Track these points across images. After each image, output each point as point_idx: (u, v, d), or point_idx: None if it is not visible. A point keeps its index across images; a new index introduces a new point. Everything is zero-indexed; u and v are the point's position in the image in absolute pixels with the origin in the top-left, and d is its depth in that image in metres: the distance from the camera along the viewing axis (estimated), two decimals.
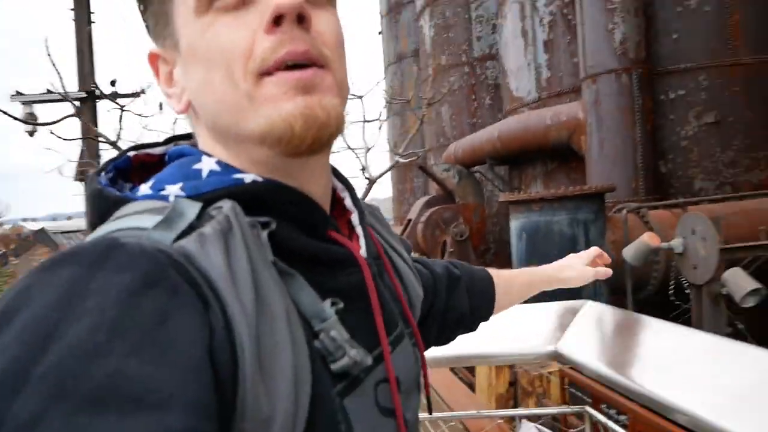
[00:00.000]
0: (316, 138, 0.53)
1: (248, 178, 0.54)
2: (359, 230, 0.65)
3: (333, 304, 0.53)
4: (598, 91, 5.73)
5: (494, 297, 1.03)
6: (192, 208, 0.50)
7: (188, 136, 0.65)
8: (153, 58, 0.62)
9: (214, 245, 0.46)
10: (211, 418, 0.39)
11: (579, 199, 4.79)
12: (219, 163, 0.57)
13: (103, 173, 0.58)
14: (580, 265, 1.15)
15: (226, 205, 0.50)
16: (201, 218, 0.49)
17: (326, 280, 0.56)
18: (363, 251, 0.63)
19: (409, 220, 7.74)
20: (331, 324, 0.52)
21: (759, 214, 4.45)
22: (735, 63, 5.31)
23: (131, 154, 0.62)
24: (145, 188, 0.56)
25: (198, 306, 0.43)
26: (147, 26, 0.62)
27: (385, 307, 0.62)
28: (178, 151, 0.61)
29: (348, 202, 0.67)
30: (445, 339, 0.99)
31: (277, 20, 0.52)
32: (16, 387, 0.35)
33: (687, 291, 3.89)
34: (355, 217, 0.66)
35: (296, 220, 0.56)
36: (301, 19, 0.53)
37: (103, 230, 0.49)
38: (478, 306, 1.01)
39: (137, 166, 0.62)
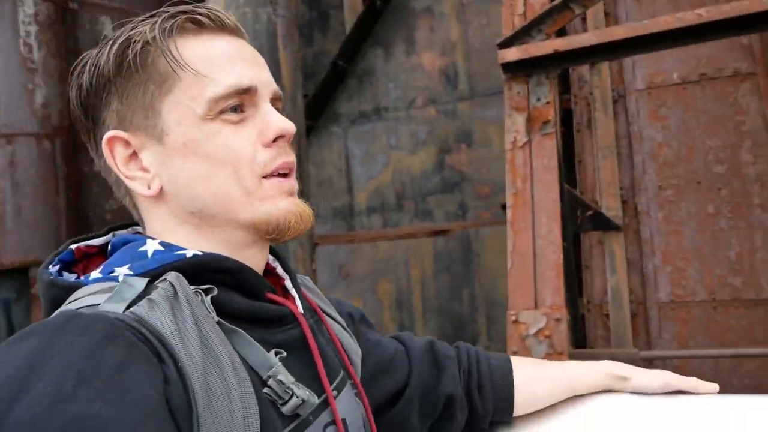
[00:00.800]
0: (302, 231, 0.66)
1: (189, 253, 0.61)
2: (293, 292, 0.73)
3: (277, 353, 0.60)
4: (14, 153, 5.20)
5: (512, 388, 0.88)
6: (139, 283, 0.56)
7: (126, 226, 0.72)
8: (112, 141, 0.66)
9: (162, 308, 0.52)
10: None
11: None
12: (162, 243, 0.63)
13: (49, 266, 0.63)
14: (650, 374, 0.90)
15: (170, 276, 0.56)
16: (148, 290, 0.55)
17: (269, 336, 0.63)
18: (299, 308, 0.70)
19: None
20: (277, 370, 0.58)
21: None
22: None
23: (73, 246, 0.66)
24: (95, 273, 0.61)
25: (152, 359, 0.48)
26: (103, 108, 0.67)
27: (325, 356, 0.69)
28: (121, 239, 0.66)
29: (280, 270, 0.75)
30: (438, 428, 0.89)
31: (276, 138, 0.66)
32: None
33: None
34: (288, 282, 0.74)
35: (236, 286, 0.63)
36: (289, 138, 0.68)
37: (59, 311, 0.54)
38: (485, 395, 0.88)
39: (79, 258, 0.67)
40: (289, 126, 0.66)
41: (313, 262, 3.83)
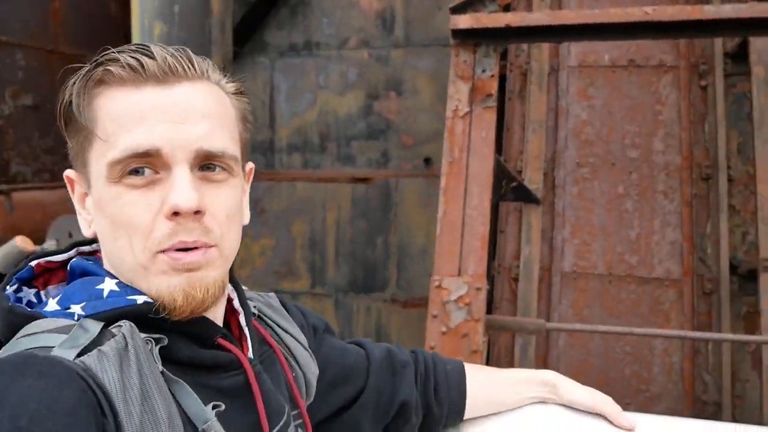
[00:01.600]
0: (194, 310, 0.63)
1: (140, 299, 0.62)
2: (246, 330, 0.74)
3: (214, 407, 0.61)
4: None
5: (464, 391, 0.93)
6: (94, 328, 0.57)
7: (90, 242, 0.71)
8: (69, 178, 0.69)
9: (111, 362, 0.54)
10: None
11: None
12: (119, 284, 0.64)
13: (8, 287, 0.65)
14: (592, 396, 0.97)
15: (125, 326, 0.58)
16: (102, 335, 0.56)
17: (214, 381, 0.65)
18: (250, 353, 0.72)
19: None
20: (211, 425, 0.60)
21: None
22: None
23: (33, 263, 0.68)
24: (53, 304, 0.62)
25: (97, 409, 0.50)
26: (70, 146, 0.67)
27: (270, 400, 0.70)
28: (81, 267, 0.67)
29: (236, 303, 0.75)
30: (394, 430, 0.92)
31: (175, 213, 0.61)
32: None
33: None
34: (242, 318, 0.75)
35: (185, 333, 0.64)
36: (196, 212, 0.62)
37: (19, 345, 0.56)
38: (440, 400, 0.91)
39: (39, 272, 0.68)
40: (183, 203, 0.60)
41: None
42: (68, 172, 0.69)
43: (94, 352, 0.54)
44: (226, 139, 0.66)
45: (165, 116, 0.61)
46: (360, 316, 4.39)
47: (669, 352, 2.77)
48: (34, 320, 0.60)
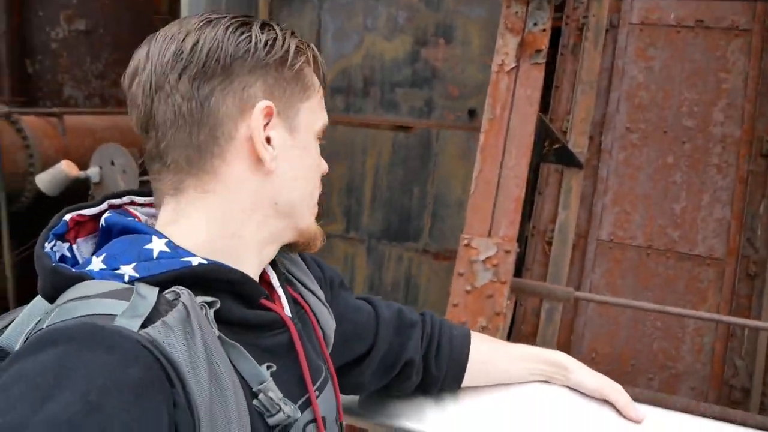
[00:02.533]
0: (317, 250, 0.77)
1: (195, 261, 0.62)
2: (280, 291, 0.77)
3: (268, 367, 0.63)
4: None
5: (467, 357, 0.93)
6: (151, 294, 0.56)
7: (120, 195, 0.72)
8: (269, 109, 0.69)
9: (176, 333, 0.53)
10: None
11: None
12: (168, 243, 0.63)
13: (46, 243, 0.63)
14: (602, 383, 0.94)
15: (184, 294, 0.57)
16: (159, 302, 0.56)
17: (259, 340, 0.67)
18: (287, 310, 0.75)
19: None
20: (268, 386, 0.62)
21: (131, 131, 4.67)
22: None
23: (67, 218, 0.67)
24: (97, 263, 0.61)
25: (165, 383, 0.50)
26: (248, 76, 0.67)
27: (310, 359, 0.73)
28: (121, 224, 0.65)
29: (267, 264, 0.77)
30: (386, 386, 0.94)
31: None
32: None
33: None
34: (274, 279, 0.78)
35: (234, 293, 0.65)
36: None
37: (74, 310, 0.54)
38: (440, 362, 0.92)
39: (71, 226, 0.67)
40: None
41: None
42: (270, 103, 0.69)
43: (159, 323, 0.53)
44: None
45: None
46: (391, 263, 4.38)
47: (701, 332, 2.66)
48: (80, 281, 0.58)
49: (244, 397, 0.59)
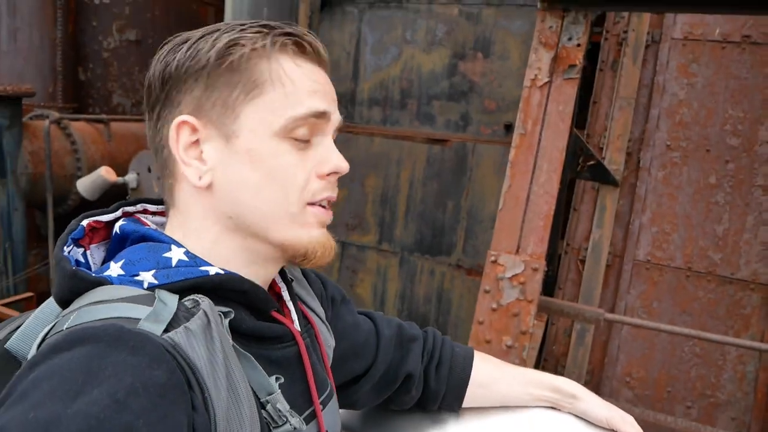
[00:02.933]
0: (324, 263, 0.68)
1: (212, 270, 0.63)
2: (290, 305, 0.76)
3: (276, 379, 0.64)
4: None
5: (468, 376, 0.92)
6: (172, 301, 0.58)
7: (134, 203, 0.73)
8: (182, 125, 0.66)
9: (198, 339, 0.55)
10: None
11: None
12: (187, 253, 0.64)
13: (65, 248, 0.64)
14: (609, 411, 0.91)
15: (204, 302, 0.59)
16: (179, 308, 0.57)
17: (268, 352, 0.67)
18: (296, 324, 0.74)
19: None
20: (276, 398, 0.63)
21: None
22: None
23: (85, 223, 0.68)
24: (116, 269, 0.62)
25: (185, 387, 0.51)
26: (183, 92, 0.66)
27: (317, 373, 0.72)
28: (139, 233, 0.66)
29: (278, 278, 0.77)
30: (385, 399, 0.94)
31: (331, 174, 0.68)
32: (48, 428, 0.43)
33: None
34: (285, 293, 0.77)
35: (246, 303, 0.66)
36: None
37: (96, 313, 0.55)
38: (440, 378, 0.91)
39: (87, 231, 0.69)
40: (344, 165, 0.69)
41: None
42: (186, 118, 0.66)
43: (181, 329, 0.54)
44: None
45: (330, 95, 0.70)
46: (423, 277, 4.36)
47: (743, 360, 2.54)
48: (99, 285, 0.59)
49: (255, 406, 0.60)
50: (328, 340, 0.83)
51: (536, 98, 2.12)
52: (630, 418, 0.90)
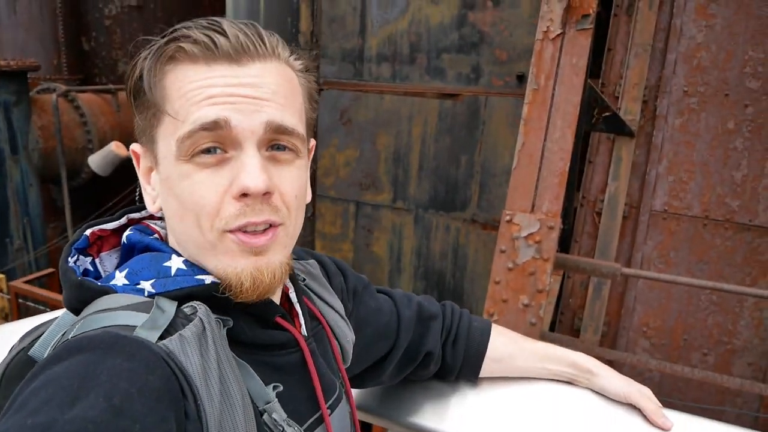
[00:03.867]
0: (261, 294, 0.63)
1: (208, 279, 0.63)
2: (298, 307, 0.74)
3: (274, 387, 0.64)
4: None
5: (484, 351, 0.93)
6: (169, 308, 0.58)
7: (140, 209, 0.72)
8: (135, 152, 0.68)
9: (192, 347, 0.55)
10: None
11: None
12: (185, 262, 0.64)
13: (69, 258, 0.65)
14: (627, 386, 0.91)
15: (201, 309, 0.59)
16: (176, 316, 0.58)
17: (271, 359, 0.67)
18: (303, 329, 0.72)
19: None
20: (273, 407, 0.63)
21: None
22: None
23: (88, 233, 0.68)
24: (120, 278, 0.63)
25: (179, 394, 0.52)
26: (137, 120, 0.65)
27: (324, 376, 0.72)
28: (143, 243, 0.66)
29: (286, 279, 0.72)
30: (405, 376, 0.94)
31: (244, 194, 0.60)
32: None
33: None
34: (293, 294, 0.75)
35: (248, 312, 0.65)
36: (265, 193, 0.61)
37: (98, 321, 0.56)
38: (457, 353, 0.93)
39: (93, 241, 0.68)
40: (253, 186, 0.59)
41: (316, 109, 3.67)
42: (134, 146, 0.68)
43: (176, 336, 0.55)
44: (295, 119, 0.64)
45: (237, 92, 0.60)
46: (438, 233, 4.38)
47: (760, 306, 2.55)
48: (104, 294, 0.61)
49: (252, 414, 0.60)
50: (347, 335, 0.83)
51: (549, 51, 2.07)
52: (647, 391, 0.91)
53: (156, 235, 0.70)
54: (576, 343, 2.45)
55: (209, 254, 0.62)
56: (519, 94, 3.78)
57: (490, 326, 0.97)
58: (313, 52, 3.50)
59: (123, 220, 0.71)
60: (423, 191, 4.38)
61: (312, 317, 0.77)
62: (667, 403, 0.97)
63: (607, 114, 2.47)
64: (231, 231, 0.61)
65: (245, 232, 0.61)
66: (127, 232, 0.68)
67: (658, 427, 0.87)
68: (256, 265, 0.62)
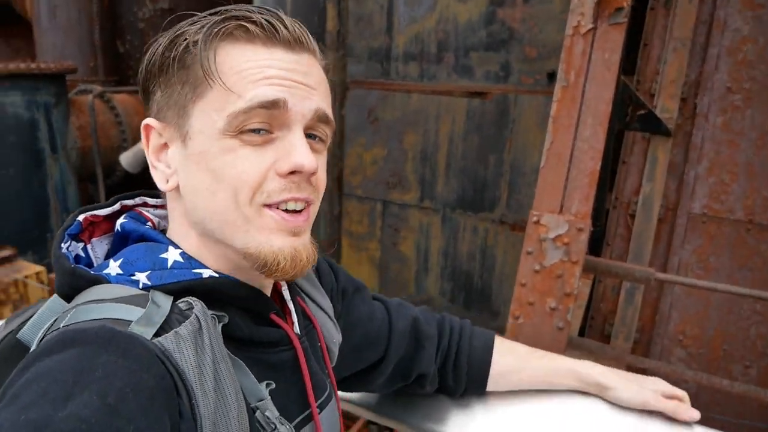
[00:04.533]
0: (297, 274, 0.63)
1: (206, 273, 0.62)
2: (290, 305, 0.73)
3: (267, 385, 0.63)
4: None
5: (487, 372, 0.90)
6: (165, 304, 0.57)
7: (132, 196, 0.71)
8: (148, 128, 0.65)
9: (188, 345, 0.53)
10: None
11: (37, 78, 4.00)
12: (183, 254, 0.63)
13: (62, 244, 0.63)
14: (643, 389, 0.88)
15: (197, 306, 0.57)
16: (172, 311, 0.57)
17: (264, 356, 0.65)
18: (296, 327, 0.72)
19: None
20: (266, 404, 0.62)
21: None
22: None
23: (81, 218, 0.66)
24: (114, 267, 0.61)
25: (173, 393, 0.50)
26: (151, 94, 0.64)
27: (315, 375, 0.71)
28: (139, 232, 0.65)
29: None
30: (398, 389, 0.92)
31: (293, 172, 0.62)
32: (39, 431, 0.42)
33: None
34: (286, 292, 0.74)
35: (244, 308, 0.64)
36: (312, 173, 0.63)
37: (91, 312, 0.54)
38: (459, 376, 0.89)
39: (85, 226, 0.67)
40: (307, 164, 0.61)
41: (343, 107, 3.58)
42: (149, 121, 0.65)
43: (171, 334, 0.53)
44: (330, 112, 0.67)
45: (292, 77, 0.62)
46: (466, 234, 4.24)
47: None
48: (97, 283, 0.59)
49: (245, 412, 0.58)
50: (333, 337, 0.81)
51: (579, 47, 1.93)
52: (661, 384, 0.86)
53: (150, 224, 0.68)
54: (606, 350, 2.30)
55: (240, 230, 0.61)
56: (549, 92, 3.61)
57: (492, 342, 0.93)
58: (340, 51, 3.41)
59: (116, 207, 0.69)
60: (450, 191, 4.25)
61: (304, 316, 0.76)
62: (704, 417, 0.91)
63: (642, 112, 2.31)
64: (271, 206, 0.61)
65: (286, 210, 0.62)
66: (120, 220, 0.66)
67: (685, 421, 0.83)
68: (294, 245, 0.62)
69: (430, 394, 0.96)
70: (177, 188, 0.64)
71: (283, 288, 0.74)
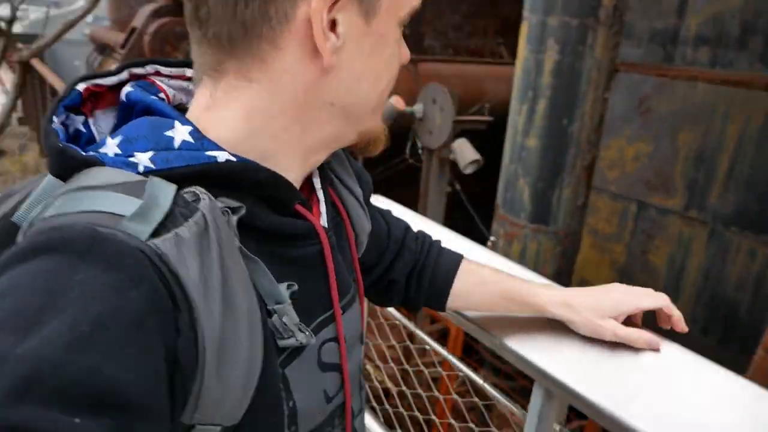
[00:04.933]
0: (375, 153, 0.65)
1: (222, 156, 0.52)
2: (320, 194, 0.66)
3: (289, 286, 0.55)
4: None
5: (448, 291, 0.91)
6: (166, 195, 0.47)
7: (143, 64, 0.61)
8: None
9: (190, 250, 0.45)
10: (164, 418, 0.41)
11: None
12: (192, 132, 0.53)
13: (55, 118, 0.54)
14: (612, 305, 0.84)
15: (204, 201, 0.48)
16: (175, 202, 0.47)
17: (286, 250, 0.58)
18: (324, 220, 0.65)
19: (134, 29, 6.45)
20: (284, 309, 0.54)
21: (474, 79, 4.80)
22: None
23: (81, 88, 0.57)
24: (112, 146, 0.52)
25: (169, 308, 0.43)
26: None
27: (340, 274, 0.65)
28: (144, 102, 0.56)
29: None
30: (370, 297, 0.94)
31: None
32: None
33: (420, 152, 4.17)
34: (317, 180, 0.66)
35: (265, 197, 0.56)
36: None
37: (78, 202, 0.46)
38: (422, 288, 0.90)
39: (87, 96, 0.58)
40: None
41: (608, 90, 3.21)
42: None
43: (171, 235, 0.44)
44: None
45: None
46: (739, 258, 3.51)
47: None
48: (90, 165, 0.49)
49: (259, 319, 0.51)
50: (364, 226, 0.74)
51: None
52: (645, 301, 0.82)
53: (163, 95, 0.59)
54: None
55: (373, 116, 0.61)
56: None
57: (459, 263, 0.91)
58: (614, 28, 3.03)
59: (124, 75, 0.59)
60: (727, 203, 3.54)
61: (333, 206, 0.68)
62: None
63: None
64: None
65: None
66: (127, 88, 0.57)
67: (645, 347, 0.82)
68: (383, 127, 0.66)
69: (392, 305, 0.97)
70: (316, 62, 0.54)
71: (314, 176, 0.66)
